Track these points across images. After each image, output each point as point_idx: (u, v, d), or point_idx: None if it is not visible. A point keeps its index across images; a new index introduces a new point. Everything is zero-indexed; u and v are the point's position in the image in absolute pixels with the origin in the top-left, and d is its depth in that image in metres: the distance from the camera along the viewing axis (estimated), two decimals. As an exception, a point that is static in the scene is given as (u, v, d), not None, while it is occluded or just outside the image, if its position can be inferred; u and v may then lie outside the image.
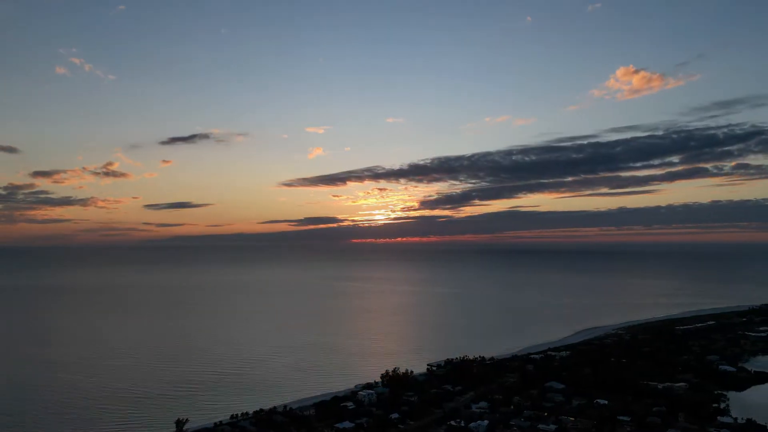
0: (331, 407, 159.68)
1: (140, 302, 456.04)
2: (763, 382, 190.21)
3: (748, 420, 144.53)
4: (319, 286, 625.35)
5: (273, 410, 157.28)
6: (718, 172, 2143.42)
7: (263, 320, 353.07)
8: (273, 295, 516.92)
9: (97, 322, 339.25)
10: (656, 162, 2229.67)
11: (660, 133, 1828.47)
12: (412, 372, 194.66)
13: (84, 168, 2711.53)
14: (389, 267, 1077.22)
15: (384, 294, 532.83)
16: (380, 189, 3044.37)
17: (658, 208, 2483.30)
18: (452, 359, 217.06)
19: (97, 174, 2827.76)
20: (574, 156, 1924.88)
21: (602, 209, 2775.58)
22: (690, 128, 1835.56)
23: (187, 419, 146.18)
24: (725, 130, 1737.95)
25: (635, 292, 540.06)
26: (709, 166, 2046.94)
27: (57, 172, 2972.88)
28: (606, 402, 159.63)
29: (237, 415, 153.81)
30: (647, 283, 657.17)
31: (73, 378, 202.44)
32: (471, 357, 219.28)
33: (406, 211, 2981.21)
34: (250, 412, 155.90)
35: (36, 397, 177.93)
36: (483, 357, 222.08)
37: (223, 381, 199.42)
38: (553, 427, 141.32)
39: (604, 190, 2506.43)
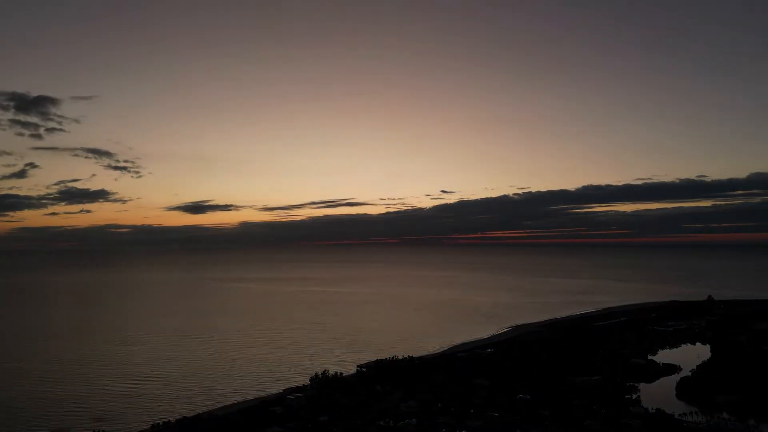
0: (258, 412, 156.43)
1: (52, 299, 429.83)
2: (670, 374, 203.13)
3: (658, 410, 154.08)
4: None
5: (198, 417, 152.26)
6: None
7: (188, 322, 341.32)
8: (201, 296, 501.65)
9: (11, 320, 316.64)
10: None
11: None
12: (341, 374, 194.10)
13: None
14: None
15: (311, 295, 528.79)
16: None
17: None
18: (382, 359, 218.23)
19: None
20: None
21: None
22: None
23: (104, 430, 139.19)
24: None
25: (560, 289, 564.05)
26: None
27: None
28: (528, 397, 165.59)
29: (159, 423, 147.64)
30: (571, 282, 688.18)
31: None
32: (400, 357, 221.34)
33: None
34: (173, 420, 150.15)
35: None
36: (412, 356, 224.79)
37: (143, 387, 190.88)
38: (479, 423, 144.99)
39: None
